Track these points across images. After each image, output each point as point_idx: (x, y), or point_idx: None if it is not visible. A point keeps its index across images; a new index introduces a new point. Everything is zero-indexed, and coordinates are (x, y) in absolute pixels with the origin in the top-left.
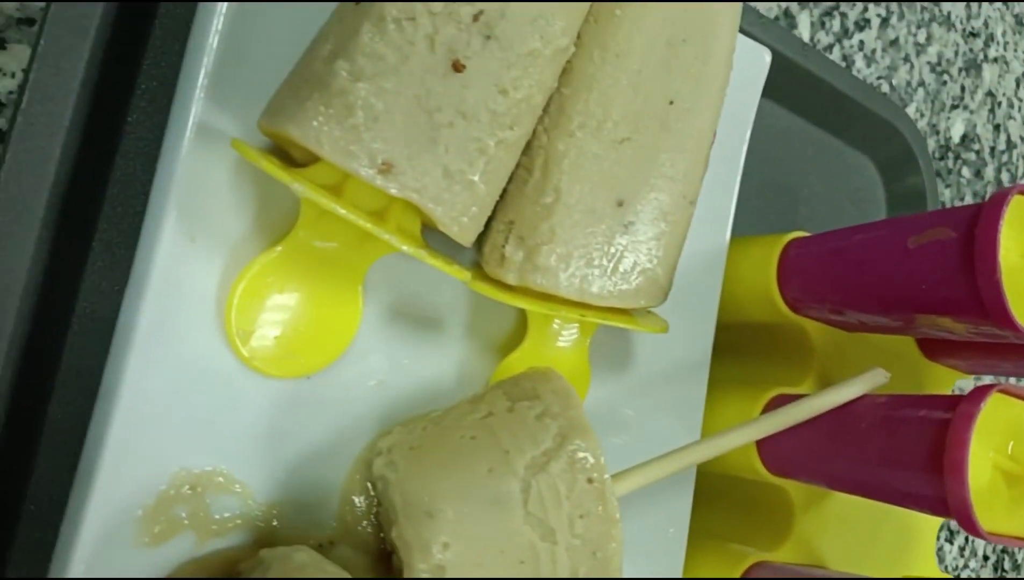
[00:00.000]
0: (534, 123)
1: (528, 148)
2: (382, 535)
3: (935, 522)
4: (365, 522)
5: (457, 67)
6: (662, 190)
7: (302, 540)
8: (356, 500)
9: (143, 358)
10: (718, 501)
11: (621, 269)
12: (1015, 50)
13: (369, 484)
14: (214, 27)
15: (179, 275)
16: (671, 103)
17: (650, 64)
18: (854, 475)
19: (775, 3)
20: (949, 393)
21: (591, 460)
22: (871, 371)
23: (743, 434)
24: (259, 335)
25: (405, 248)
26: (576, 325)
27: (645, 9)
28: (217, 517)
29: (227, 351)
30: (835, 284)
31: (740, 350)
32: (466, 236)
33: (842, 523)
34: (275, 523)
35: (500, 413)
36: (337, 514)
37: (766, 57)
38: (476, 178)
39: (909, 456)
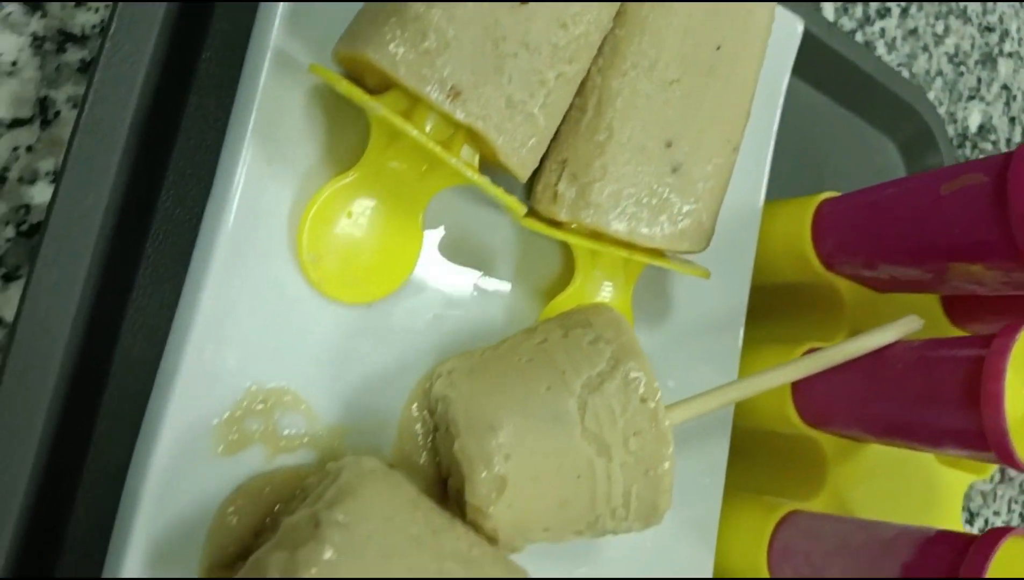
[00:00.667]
0: (589, 61)
1: (582, 88)
2: (438, 461)
3: (962, 484)
4: (422, 449)
5: None
6: (708, 133)
7: None
8: (413, 428)
9: (221, 277)
10: (753, 456)
11: (668, 211)
12: None
13: (426, 412)
14: None
15: (256, 200)
16: (718, 48)
17: (700, 9)
18: (891, 417)
19: None
20: None
21: (644, 381)
22: (905, 318)
23: (784, 373)
24: (327, 260)
25: (470, 174)
26: (620, 272)
27: None
28: (285, 433)
29: (298, 274)
30: (869, 236)
31: (774, 311)
32: (524, 169)
33: (873, 478)
34: (337, 445)
35: (555, 339)
36: (395, 441)
37: (798, 27)
38: (536, 110)
39: (946, 393)
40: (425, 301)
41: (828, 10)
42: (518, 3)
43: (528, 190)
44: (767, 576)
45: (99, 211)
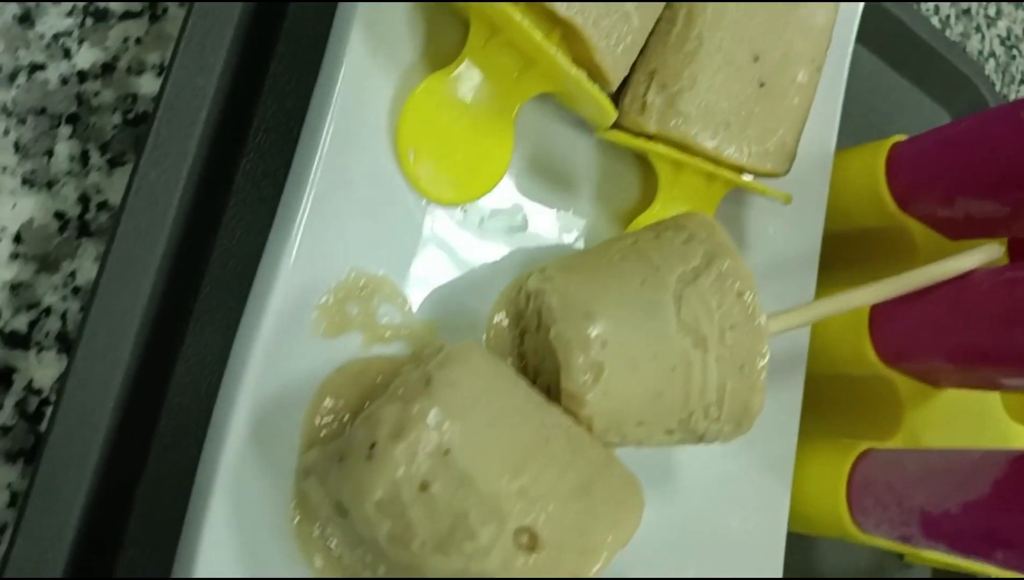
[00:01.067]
0: None
1: (669, 3)
2: (523, 365)
3: None
4: (508, 354)
5: None
6: (793, 49)
7: None
8: (500, 333)
9: (326, 165)
10: (828, 403)
11: (755, 129)
12: None
13: (514, 324)
14: None
15: (359, 94)
16: None
17: None
18: (976, 342)
19: None
20: None
21: (740, 275)
22: (986, 245)
23: (872, 292)
24: (424, 157)
25: (568, 67)
26: (702, 197)
27: None
28: (383, 322)
29: (397, 170)
30: (946, 170)
31: (846, 259)
32: (616, 71)
33: (948, 421)
34: (429, 340)
35: (647, 240)
36: (483, 341)
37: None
38: (631, 8)
39: None
40: (511, 212)
41: None
42: None
43: (616, 101)
44: (847, 516)
45: (206, 101)
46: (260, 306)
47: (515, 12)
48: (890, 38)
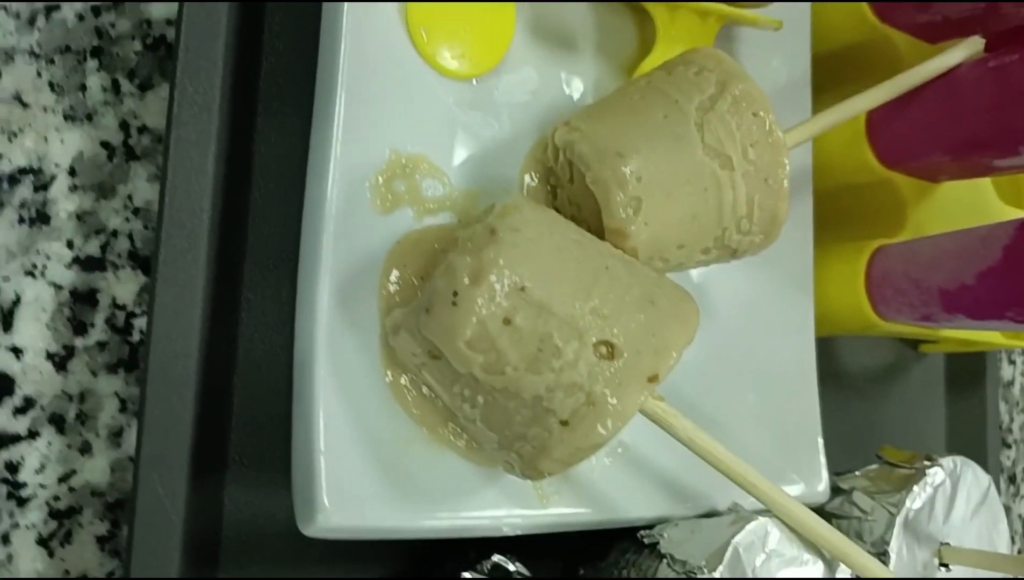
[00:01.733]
0: None
1: None
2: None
3: None
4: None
5: None
6: None
7: None
8: (533, 189)
9: (351, 58)
10: (836, 211)
11: None
12: None
13: (544, 181)
14: None
15: None
16: None
17: None
18: (969, 130)
19: None
20: None
21: (754, 96)
22: (969, 39)
23: (867, 98)
24: (436, 35)
25: None
26: (697, 34)
27: None
28: (428, 195)
29: (413, 51)
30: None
31: (835, 78)
32: None
33: (947, 212)
34: (471, 207)
35: (660, 78)
36: None
37: None
38: None
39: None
40: (521, 79)
41: None
42: None
43: None
44: (869, 309)
45: (221, 22)
46: (319, 194)
47: None
48: None
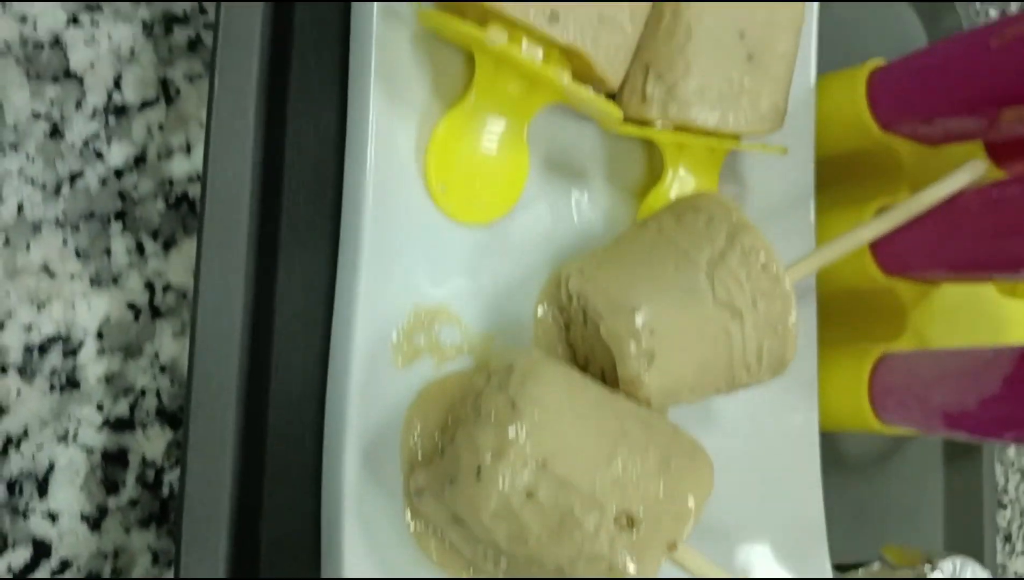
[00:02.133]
0: None
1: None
2: (572, 352)
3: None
4: (557, 342)
5: None
6: (775, 19)
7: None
8: (546, 325)
9: (373, 220)
10: (838, 315)
11: (748, 97)
12: None
13: (555, 310)
14: None
15: (388, 147)
16: None
17: None
18: (971, 254)
19: None
20: None
21: (762, 250)
22: (970, 163)
23: (874, 228)
24: (453, 187)
25: (575, 87)
26: (706, 163)
27: None
28: (446, 344)
29: (431, 204)
30: (924, 94)
31: (837, 178)
32: (616, 76)
33: (947, 314)
34: (488, 348)
35: (670, 226)
36: (533, 338)
37: None
38: (624, 20)
39: (1020, 222)
40: (535, 216)
41: None
42: None
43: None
44: (871, 417)
45: (246, 177)
46: (343, 359)
47: (515, 49)
48: None
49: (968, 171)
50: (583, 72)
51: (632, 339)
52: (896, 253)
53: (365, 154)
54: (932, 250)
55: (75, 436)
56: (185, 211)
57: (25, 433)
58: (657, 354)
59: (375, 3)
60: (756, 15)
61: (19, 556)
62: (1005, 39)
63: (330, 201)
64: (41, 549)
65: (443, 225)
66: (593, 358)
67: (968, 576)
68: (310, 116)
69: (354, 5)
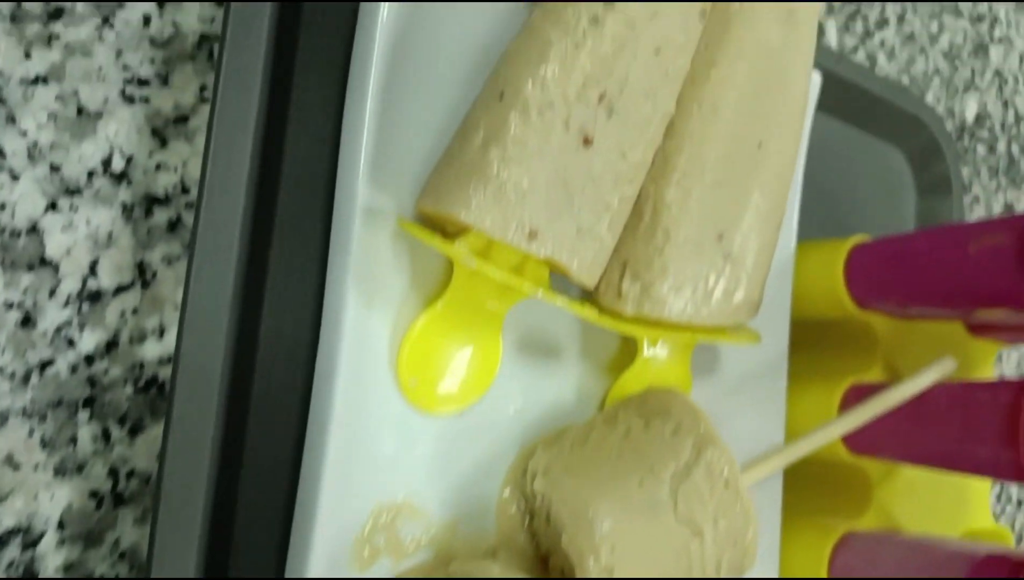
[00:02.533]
0: (643, 176)
1: (638, 196)
2: (536, 541)
3: (987, 485)
4: (520, 529)
5: (587, 141)
6: (755, 220)
7: (473, 550)
8: (510, 512)
9: (340, 415)
10: (804, 483)
11: (723, 293)
12: (1017, 28)
13: (520, 499)
14: (367, 114)
15: (361, 341)
16: (759, 145)
17: (741, 114)
18: (935, 451)
19: None
20: (994, 360)
21: (726, 467)
22: (940, 361)
23: (840, 425)
24: (424, 381)
25: (551, 299)
26: (679, 345)
27: (735, 67)
28: (407, 540)
29: (401, 398)
30: (900, 284)
31: (811, 343)
32: (592, 280)
33: (911, 489)
34: (451, 537)
35: (637, 431)
36: (496, 526)
37: (817, 79)
38: (603, 229)
39: (986, 432)
40: (506, 401)
41: (832, 30)
42: (582, 146)
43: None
44: None
45: (217, 365)
46: (302, 559)
47: (490, 269)
48: (838, 97)
49: (938, 370)
50: (560, 269)
51: (592, 554)
52: (863, 438)
53: (336, 356)
54: (898, 439)
55: None
56: (154, 395)
57: None
58: (616, 569)
59: (357, 206)
60: (738, 215)
61: None
62: (982, 246)
63: (298, 398)
64: None
65: (412, 418)
66: (555, 554)
67: None
68: (288, 311)
69: (338, 201)
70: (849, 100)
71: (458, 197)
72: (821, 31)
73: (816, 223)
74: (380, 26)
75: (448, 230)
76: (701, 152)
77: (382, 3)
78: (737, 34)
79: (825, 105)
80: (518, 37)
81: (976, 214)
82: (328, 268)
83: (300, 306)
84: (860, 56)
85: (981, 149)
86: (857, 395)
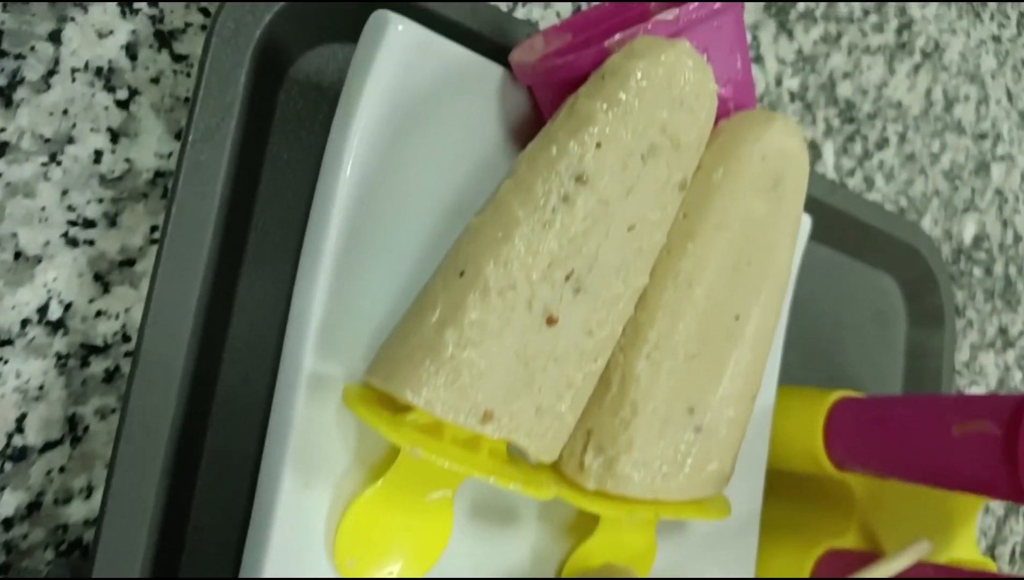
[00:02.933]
0: (613, 347)
1: (606, 364)
2: None
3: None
4: None
5: (551, 321)
6: (729, 391)
7: None
8: None
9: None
10: (786, 496)
11: (691, 467)
12: (1020, 146)
13: None
14: (320, 285)
15: (297, 513)
16: (736, 318)
17: (717, 288)
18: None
19: None
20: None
21: None
22: (918, 544)
23: None
24: (362, 562)
25: (502, 484)
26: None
27: (714, 239)
28: None
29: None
30: (880, 454)
31: (787, 496)
32: (550, 457)
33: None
34: None
35: None
36: None
37: (807, 223)
38: (564, 409)
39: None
40: (455, 568)
41: (828, 152)
42: (546, 326)
43: None
44: None
45: (141, 541)
46: None
47: (444, 459)
48: (830, 226)
49: (915, 552)
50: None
51: None
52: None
53: (270, 523)
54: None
55: None
56: (77, 559)
57: None
58: None
59: (303, 374)
60: (710, 390)
61: None
62: (966, 431)
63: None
64: None
65: None
66: None
67: None
68: (225, 475)
69: (283, 367)
70: (842, 229)
71: (408, 377)
72: (817, 154)
73: (802, 352)
74: (343, 179)
75: (399, 401)
76: (674, 326)
77: (346, 150)
78: (719, 204)
79: (817, 234)
80: (484, 210)
81: (969, 340)
82: (267, 438)
83: (237, 475)
84: (857, 178)
85: (978, 271)
86: (832, 562)
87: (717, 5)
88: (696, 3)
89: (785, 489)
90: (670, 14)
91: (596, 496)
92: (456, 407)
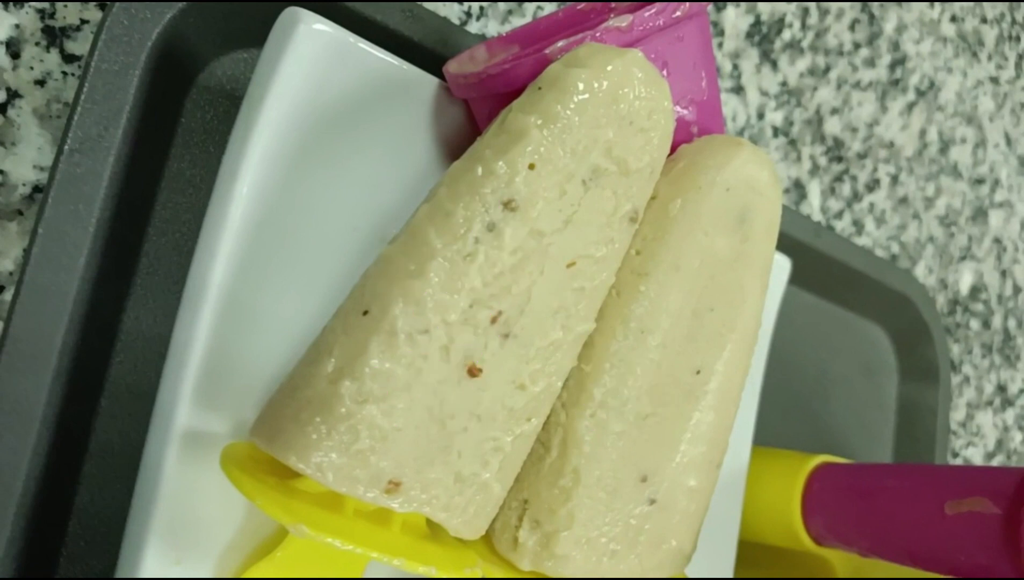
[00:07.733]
0: (552, 404)
1: (545, 422)
2: None
3: None
4: None
5: (473, 372)
6: (687, 459)
7: None
8: None
9: None
10: (760, 575)
11: (645, 545)
12: (1019, 192)
13: None
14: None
15: None
16: (698, 373)
17: (675, 337)
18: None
19: (784, 175)
20: None
21: None
22: None
23: None
24: None
25: (420, 571)
26: None
27: (670, 282)
28: None
29: None
30: (864, 530)
31: (761, 573)
32: (476, 533)
33: None
34: None
35: None
36: None
37: (786, 265)
38: (490, 477)
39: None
40: None
41: (815, 192)
42: (467, 377)
43: None
44: None
45: None
46: None
47: (335, 539)
48: (815, 272)
49: None
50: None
51: None
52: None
53: None
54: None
55: None
56: None
57: None
58: None
59: (175, 429)
60: (666, 455)
61: None
62: (960, 509)
63: None
64: None
65: None
66: None
67: None
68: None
69: (155, 419)
70: (828, 274)
71: (294, 439)
72: (802, 194)
73: (782, 407)
74: (237, 197)
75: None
76: (624, 381)
77: (243, 165)
78: (676, 240)
79: (800, 279)
80: (397, 239)
81: (966, 398)
82: (131, 503)
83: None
84: (846, 221)
85: (975, 324)
86: None
87: (679, 11)
88: (654, 8)
89: (759, 565)
90: (623, 20)
91: (532, 578)
92: (353, 476)
